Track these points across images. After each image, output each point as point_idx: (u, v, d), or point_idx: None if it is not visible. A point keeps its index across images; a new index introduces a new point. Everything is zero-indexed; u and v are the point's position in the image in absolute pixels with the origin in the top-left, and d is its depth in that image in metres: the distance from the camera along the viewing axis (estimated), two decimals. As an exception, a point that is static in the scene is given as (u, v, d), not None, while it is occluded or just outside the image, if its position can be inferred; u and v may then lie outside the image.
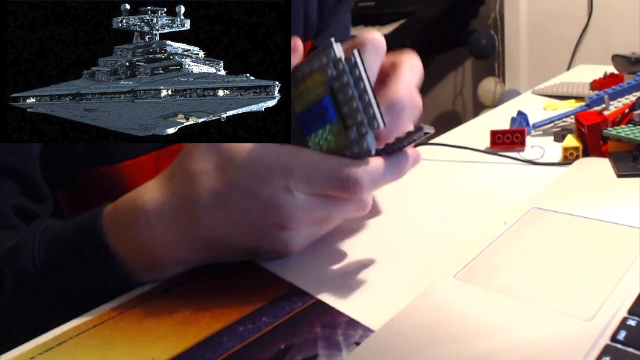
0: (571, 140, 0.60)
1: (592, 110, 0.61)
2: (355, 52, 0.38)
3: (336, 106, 0.38)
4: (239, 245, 0.41)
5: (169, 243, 0.40)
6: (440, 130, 0.76)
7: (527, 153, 0.63)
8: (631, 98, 0.65)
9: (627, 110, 0.60)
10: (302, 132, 0.40)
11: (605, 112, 0.60)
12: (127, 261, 0.41)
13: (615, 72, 0.89)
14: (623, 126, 0.55)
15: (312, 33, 0.77)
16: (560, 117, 0.67)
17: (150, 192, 0.41)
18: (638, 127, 0.54)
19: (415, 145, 0.41)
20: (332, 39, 0.38)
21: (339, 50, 0.38)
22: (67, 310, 0.40)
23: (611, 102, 0.64)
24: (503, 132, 0.65)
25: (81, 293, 0.41)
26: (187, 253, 0.41)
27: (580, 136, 0.61)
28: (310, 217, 0.39)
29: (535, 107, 0.78)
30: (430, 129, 0.37)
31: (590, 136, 0.56)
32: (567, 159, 0.58)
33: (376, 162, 0.38)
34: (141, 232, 0.40)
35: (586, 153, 0.58)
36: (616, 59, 0.91)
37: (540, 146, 0.64)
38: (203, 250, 0.41)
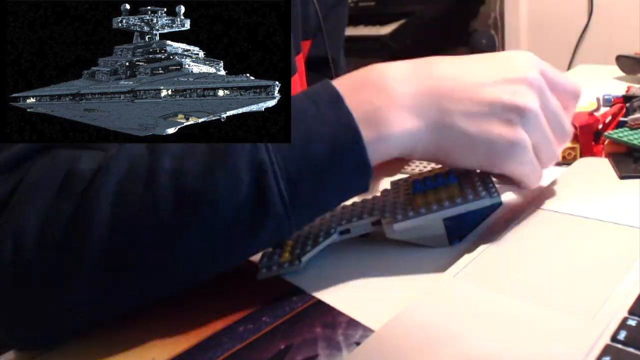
0: (568, 140, 0.61)
1: (584, 111, 0.61)
2: None
3: None
4: (468, 114, 0.40)
5: (401, 86, 0.40)
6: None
7: (527, 153, 0.63)
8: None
9: (616, 111, 0.61)
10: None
11: (596, 114, 0.61)
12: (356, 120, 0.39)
13: (621, 73, 0.89)
14: (623, 129, 0.56)
15: (311, 33, 0.78)
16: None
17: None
18: (634, 130, 0.55)
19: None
20: None
21: None
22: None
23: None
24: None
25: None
26: (415, 104, 0.40)
27: (575, 136, 0.61)
28: (541, 109, 0.41)
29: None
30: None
31: (583, 137, 0.58)
32: (566, 159, 0.58)
33: None
34: (375, 81, 0.41)
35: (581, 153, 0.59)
36: (621, 59, 0.90)
37: (540, 146, 0.64)
38: (430, 105, 0.40)
